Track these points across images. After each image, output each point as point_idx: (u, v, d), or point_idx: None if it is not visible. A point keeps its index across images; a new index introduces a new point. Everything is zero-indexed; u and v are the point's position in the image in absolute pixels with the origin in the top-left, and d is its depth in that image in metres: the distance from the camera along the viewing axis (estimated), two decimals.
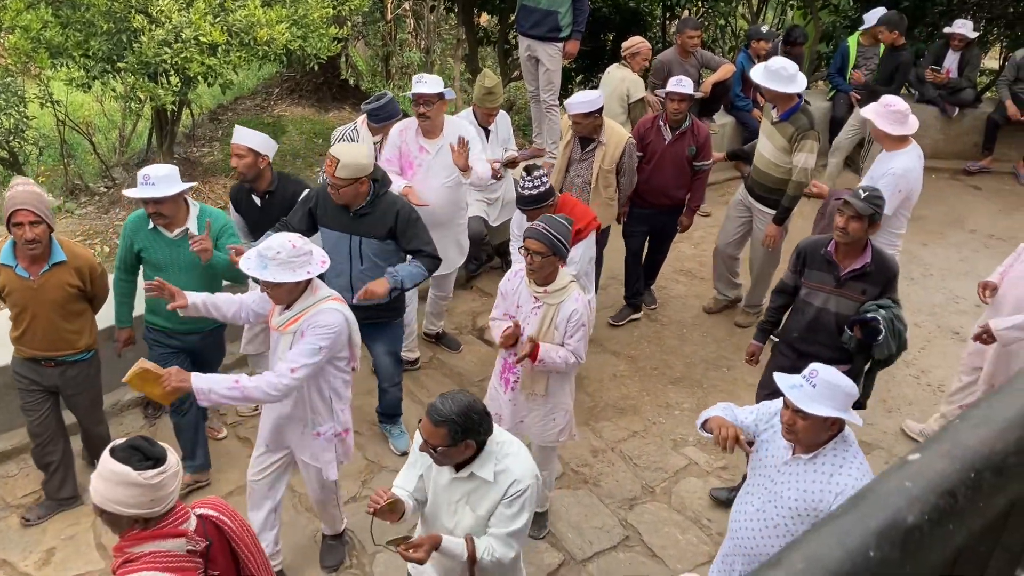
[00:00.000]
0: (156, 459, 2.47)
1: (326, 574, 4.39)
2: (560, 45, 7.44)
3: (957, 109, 9.18)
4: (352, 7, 7.42)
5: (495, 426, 3.05)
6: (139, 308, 4.74)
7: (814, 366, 3.04)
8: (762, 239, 6.11)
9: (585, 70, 10.39)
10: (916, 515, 0.83)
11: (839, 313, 4.35)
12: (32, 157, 8.91)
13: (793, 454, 3.14)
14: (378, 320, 4.74)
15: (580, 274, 4.86)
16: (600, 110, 5.58)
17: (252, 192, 4.94)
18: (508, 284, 4.22)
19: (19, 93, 8.11)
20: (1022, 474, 0.95)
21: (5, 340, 4.51)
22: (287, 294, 3.61)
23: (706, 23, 11.07)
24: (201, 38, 6.07)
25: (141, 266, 4.56)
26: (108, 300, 4.62)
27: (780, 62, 5.72)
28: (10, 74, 7.75)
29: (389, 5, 12.14)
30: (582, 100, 5.53)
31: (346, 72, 11.24)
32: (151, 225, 4.38)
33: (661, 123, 6.03)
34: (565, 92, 9.87)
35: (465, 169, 5.10)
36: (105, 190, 7.87)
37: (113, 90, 6.78)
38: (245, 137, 4.75)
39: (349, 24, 8.27)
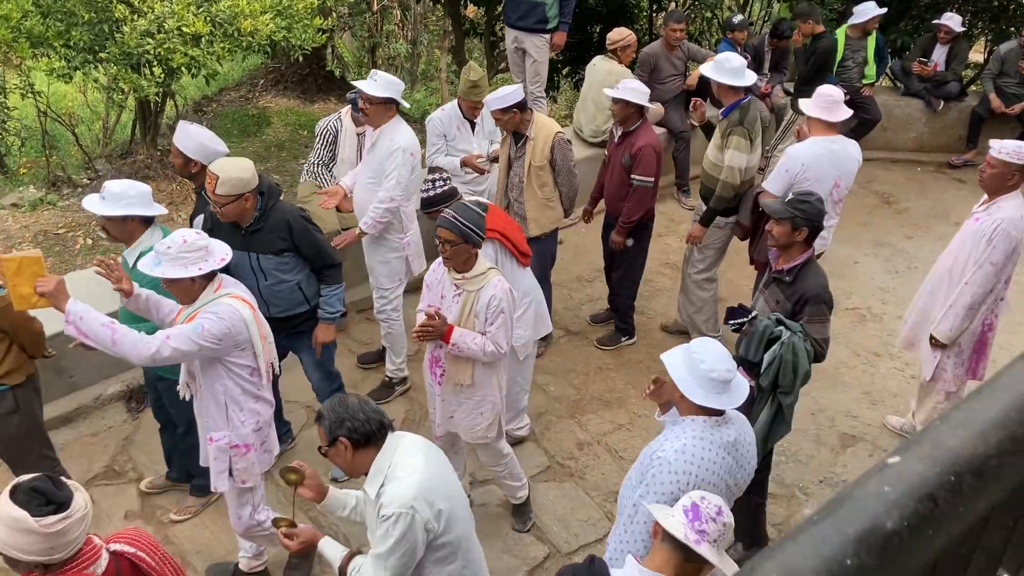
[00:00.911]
0: (59, 504, 2.30)
1: None
2: (547, 37, 7.43)
3: (942, 102, 9.21)
4: None
5: (403, 449, 2.93)
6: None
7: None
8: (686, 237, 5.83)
9: (572, 62, 10.37)
10: (895, 520, 0.81)
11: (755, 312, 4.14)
12: (14, 148, 8.82)
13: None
14: (297, 329, 4.53)
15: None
16: (520, 105, 5.25)
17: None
18: (432, 275, 4.19)
19: (0, 83, 8.02)
20: (1002, 476, 0.94)
21: None
22: (184, 291, 3.49)
23: (692, 16, 11.06)
24: (184, 28, 6.02)
25: None
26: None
27: (726, 55, 5.51)
28: None
29: None
30: (496, 96, 5.27)
31: (332, 63, 11.19)
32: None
33: (614, 125, 5.74)
34: (552, 84, 9.86)
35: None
36: (88, 182, 7.80)
37: (95, 81, 6.72)
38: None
39: (335, 15, 8.20)
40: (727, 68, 5.37)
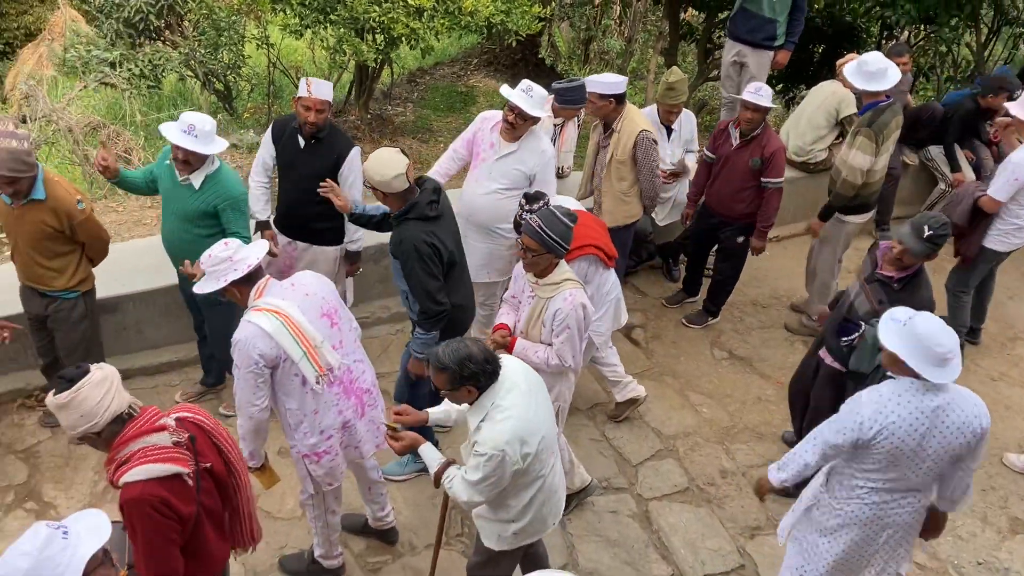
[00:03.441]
0: (72, 380, 2.63)
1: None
2: (771, 53, 7.20)
3: None
4: None
5: (508, 392, 3.15)
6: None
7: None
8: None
9: (786, 79, 9.99)
10: None
11: (854, 306, 4.33)
12: (243, 92, 9.53)
13: None
14: None
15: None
16: (618, 96, 5.31)
17: (298, 132, 4.76)
18: (521, 267, 4.16)
19: (241, 32, 8.68)
20: None
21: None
22: (233, 297, 3.56)
23: (926, 48, 10.37)
24: (410, 1, 6.26)
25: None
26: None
27: (870, 57, 5.45)
28: (236, 14, 8.31)
29: None
30: (600, 79, 5.33)
31: (545, 51, 11.31)
32: (169, 159, 4.48)
33: (731, 127, 5.74)
34: None
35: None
36: None
37: (323, 40, 7.10)
38: (324, 90, 4.66)
39: (555, 4, 8.30)
40: (865, 71, 5.41)
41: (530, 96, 4.76)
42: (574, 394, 5.50)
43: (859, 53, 7.17)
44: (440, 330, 4.21)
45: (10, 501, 4.53)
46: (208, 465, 2.86)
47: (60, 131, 7.55)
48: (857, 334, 4.16)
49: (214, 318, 4.76)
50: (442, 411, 3.58)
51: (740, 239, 5.90)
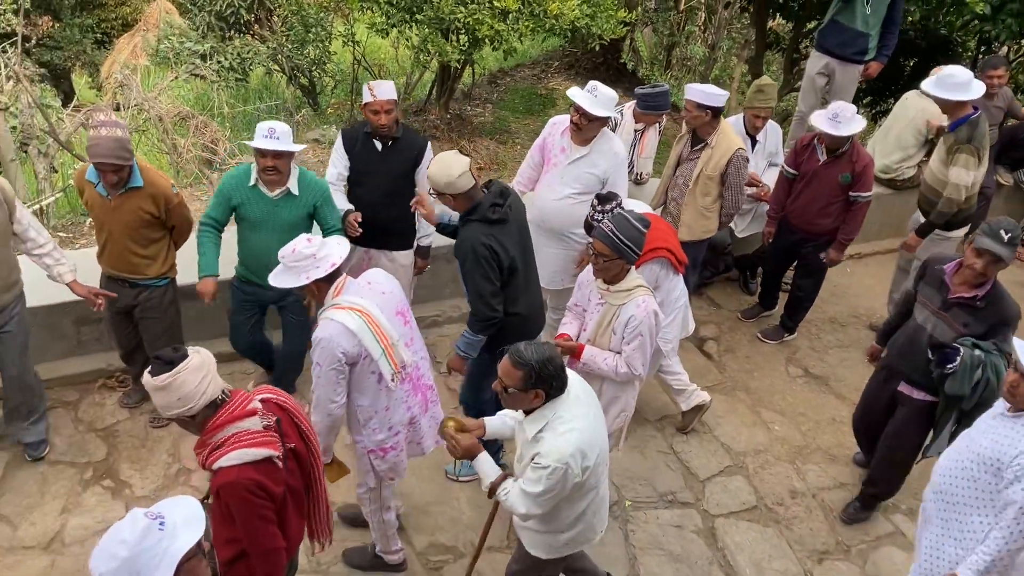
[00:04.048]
0: (171, 362, 2.67)
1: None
2: (860, 68, 7.00)
3: None
4: None
5: (569, 404, 3.09)
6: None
7: None
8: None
9: (875, 92, 9.74)
10: None
11: (934, 336, 4.18)
12: (327, 88, 9.69)
13: (1005, 412, 3.34)
14: None
15: None
16: (716, 111, 5.21)
17: (373, 136, 4.75)
18: (586, 275, 4.09)
19: (328, 29, 8.82)
20: None
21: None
22: (311, 294, 3.54)
23: None
24: (495, 2, 6.28)
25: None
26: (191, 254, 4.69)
27: (950, 69, 5.28)
28: (324, 10, 8.45)
29: None
30: (702, 89, 5.21)
31: (627, 56, 11.24)
32: (252, 182, 4.45)
33: (817, 143, 5.54)
34: None
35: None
36: None
37: (408, 40, 7.17)
38: (388, 90, 4.66)
39: (640, 9, 8.23)
40: (950, 83, 5.23)
41: (595, 96, 4.68)
42: (644, 405, 5.47)
43: None
44: (491, 337, 4.16)
45: (88, 477, 4.68)
46: (292, 446, 2.94)
47: (151, 120, 7.78)
48: (958, 359, 4.02)
49: (295, 332, 4.83)
50: (499, 422, 3.50)
51: (823, 255, 5.77)
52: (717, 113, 5.26)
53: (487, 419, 3.51)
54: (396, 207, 4.62)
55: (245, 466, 2.72)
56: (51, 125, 7.50)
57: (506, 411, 3.49)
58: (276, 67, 9.12)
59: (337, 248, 3.54)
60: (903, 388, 4.40)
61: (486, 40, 6.60)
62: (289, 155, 4.39)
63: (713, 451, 5.23)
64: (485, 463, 3.30)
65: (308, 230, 4.56)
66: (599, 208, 4.39)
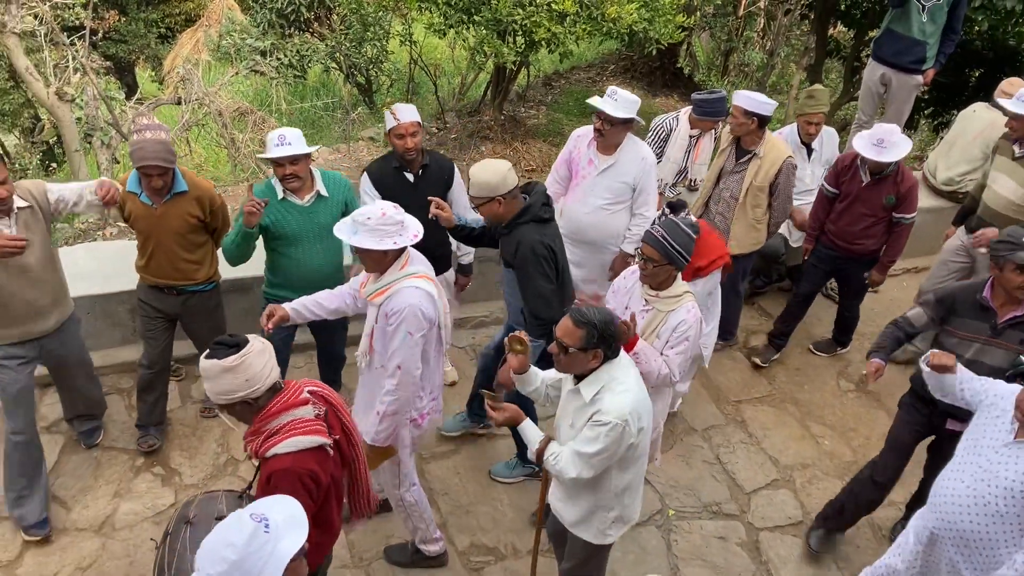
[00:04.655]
0: (237, 346, 2.73)
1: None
2: (918, 78, 6.85)
3: None
4: None
5: (624, 367, 3.16)
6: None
7: None
8: None
9: (938, 103, 9.53)
10: None
11: (992, 365, 3.91)
12: (383, 87, 9.78)
13: (1016, 438, 3.23)
14: None
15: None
16: (762, 118, 5.09)
17: (403, 169, 4.60)
18: (623, 281, 4.05)
19: (386, 28, 8.90)
20: None
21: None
22: (375, 263, 3.54)
23: None
24: (553, 5, 6.27)
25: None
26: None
27: None
28: (383, 10, 8.53)
29: (743, 0, 11.84)
30: (749, 95, 5.09)
31: (683, 61, 11.16)
32: (280, 196, 4.31)
33: (860, 163, 5.32)
34: (909, 122, 9.15)
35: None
36: (436, 131, 8.44)
37: (464, 40, 7.20)
38: (411, 113, 4.53)
39: (698, 14, 8.16)
40: None
41: (614, 100, 4.66)
42: (691, 415, 5.43)
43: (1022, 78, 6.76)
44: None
45: (140, 464, 4.78)
46: (336, 437, 2.98)
47: (210, 114, 7.92)
48: None
49: (338, 337, 4.82)
50: (531, 382, 3.50)
51: (865, 276, 5.61)
52: (764, 122, 5.17)
53: (538, 379, 3.52)
54: (437, 233, 4.56)
55: (301, 453, 2.77)
56: (114, 117, 7.68)
57: (545, 376, 3.52)
58: (334, 65, 9.23)
59: (416, 222, 3.63)
60: (952, 425, 4.20)
61: (542, 42, 6.60)
62: (306, 158, 4.29)
63: (760, 463, 5.16)
64: (529, 429, 3.34)
65: None
66: (669, 216, 4.35)
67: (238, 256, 4.36)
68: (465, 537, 4.51)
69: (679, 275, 3.85)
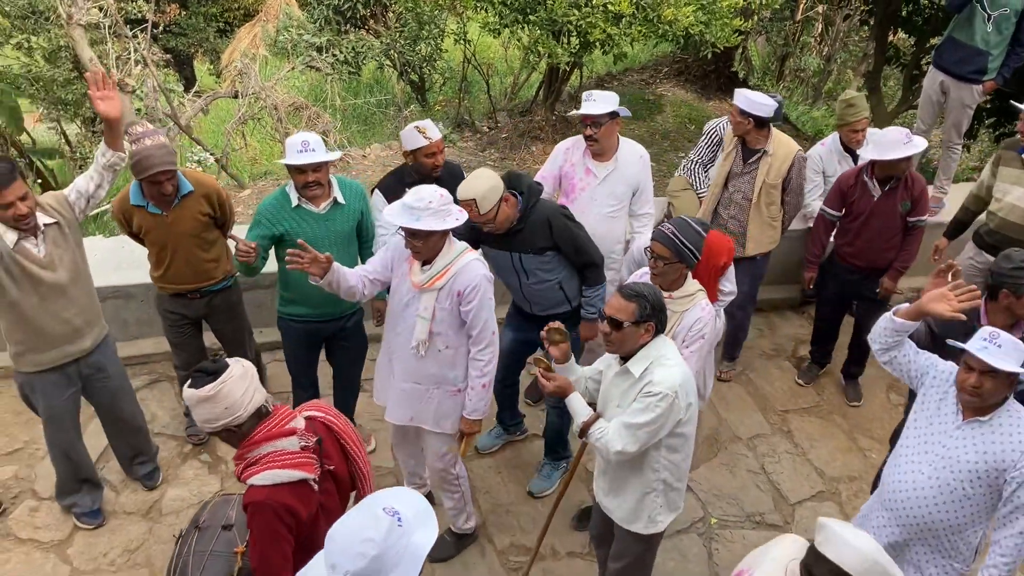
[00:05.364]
0: (215, 374, 2.63)
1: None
2: (979, 88, 6.68)
3: None
4: (763, 2, 7.23)
5: (669, 345, 3.22)
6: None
7: (989, 330, 3.05)
8: None
9: (999, 113, 9.30)
10: None
11: None
12: (436, 85, 9.83)
13: (965, 418, 3.19)
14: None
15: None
16: (759, 120, 4.97)
17: (422, 181, 4.22)
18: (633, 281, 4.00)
19: (441, 26, 8.95)
20: None
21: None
22: (432, 247, 3.53)
23: None
24: (609, 6, 6.25)
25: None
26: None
27: None
28: (439, 8, 8.58)
29: (801, 5, 11.69)
30: (748, 95, 4.96)
31: (739, 65, 11.05)
32: (294, 204, 4.15)
33: (867, 178, 5.12)
34: (969, 131, 8.95)
35: None
36: (487, 130, 8.46)
37: (519, 40, 7.20)
38: (437, 131, 4.49)
39: (756, 18, 8.06)
40: None
41: (593, 100, 4.62)
42: (736, 423, 5.37)
43: None
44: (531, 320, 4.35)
45: (187, 451, 4.86)
46: (331, 467, 2.87)
47: (266, 108, 8.04)
48: None
49: (355, 354, 4.73)
50: (574, 372, 3.53)
51: (878, 290, 5.43)
52: (762, 123, 5.05)
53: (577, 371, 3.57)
54: None
55: (277, 488, 2.65)
56: (173, 109, 7.83)
57: (585, 371, 3.55)
58: (388, 62, 9.30)
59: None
60: None
61: (597, 43, 6.57)
62: (327, 165, 4.16)
63: (806, 475, 5.09)
64: (576, 402, 3.35)
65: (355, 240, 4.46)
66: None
67: (248, 272, 4.25)
68: (505, 536, 4.52)
69: (689, 273, 3.82)
